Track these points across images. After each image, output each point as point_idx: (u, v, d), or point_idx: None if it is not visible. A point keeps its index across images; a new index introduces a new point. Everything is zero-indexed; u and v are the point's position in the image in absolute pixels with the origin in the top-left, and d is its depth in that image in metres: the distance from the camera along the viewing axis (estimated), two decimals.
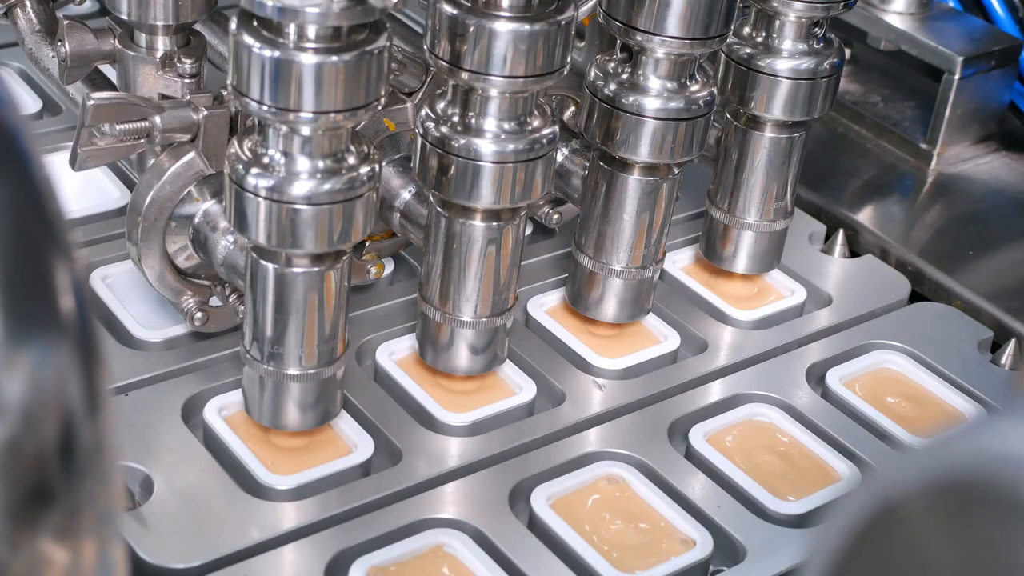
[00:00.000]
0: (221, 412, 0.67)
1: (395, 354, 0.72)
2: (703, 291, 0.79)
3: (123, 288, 0.74)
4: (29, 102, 0.89)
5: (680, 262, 0.82)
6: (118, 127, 0.62)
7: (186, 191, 0.64)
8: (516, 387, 0.71)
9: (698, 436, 0.69)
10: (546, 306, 0.77)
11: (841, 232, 0.85)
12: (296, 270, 0.59)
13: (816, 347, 0.77)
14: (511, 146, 0.62)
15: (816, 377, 0.75)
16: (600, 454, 0.68)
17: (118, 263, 0.75)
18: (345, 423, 0.67)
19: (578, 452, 0.68)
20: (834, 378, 0.74)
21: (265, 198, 0.57)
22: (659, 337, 0.75)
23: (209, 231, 0.65)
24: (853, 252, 0.86)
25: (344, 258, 0.60)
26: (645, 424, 0.70)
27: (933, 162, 0.94)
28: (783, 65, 0.73)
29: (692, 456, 0.69)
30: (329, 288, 0.60)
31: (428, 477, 0.65)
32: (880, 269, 0.84)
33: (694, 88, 0.68)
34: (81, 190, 0.81)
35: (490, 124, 0.62)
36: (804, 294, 0.80)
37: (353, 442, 0.66)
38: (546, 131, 0.63)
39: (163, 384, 0.69)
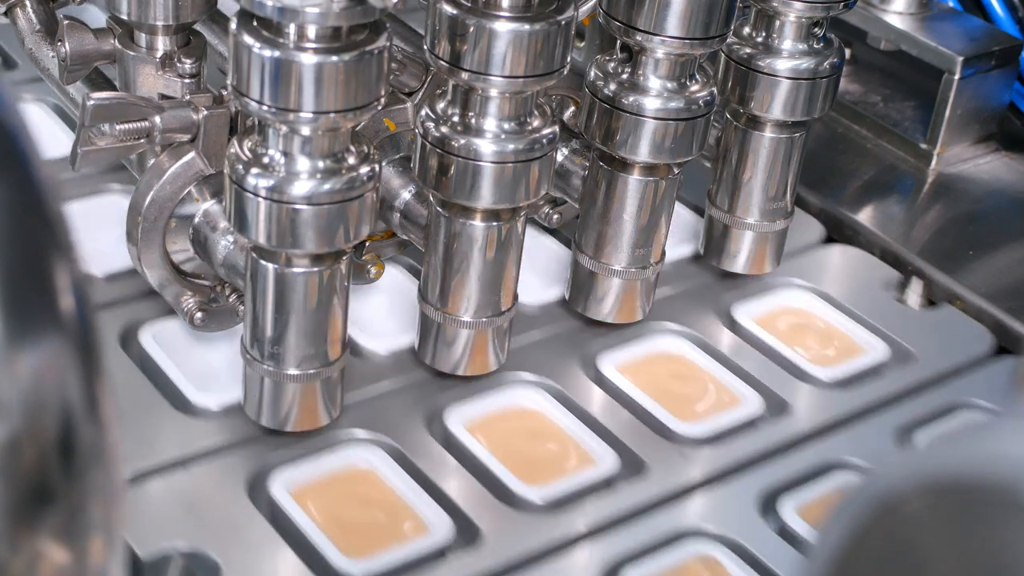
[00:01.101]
0: (288, 487, 0.63)
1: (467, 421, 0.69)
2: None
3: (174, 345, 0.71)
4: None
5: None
6: (118, 127, 0.62)
7: (186, 191, 0.64)
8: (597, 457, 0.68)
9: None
10: (619, 365, 0.74)
11: (920, 282, 0.82)
12: (296, 270, 0.59)
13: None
14: (511, 146, 0.62)
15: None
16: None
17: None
18: (419, 498, 0.64)
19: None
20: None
21: (265, 198, 0.57)
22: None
23: (209, 231, 0.65)
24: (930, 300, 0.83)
25: (344, 258, 0.60)
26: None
27: (933, 162, 0.94)
28: (783, 65, 0.73)
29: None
30: (329, 288, 0.60)
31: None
32: (961, 320, 0.80)
33: (694, 88, 0.68)
34: None
35: (490, 124, 0.62)
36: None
37: (430, 522, 0.63)
38: (546, 131, 0.63)
39: (226, 456, 0.65)
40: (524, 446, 0.67)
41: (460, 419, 0.68)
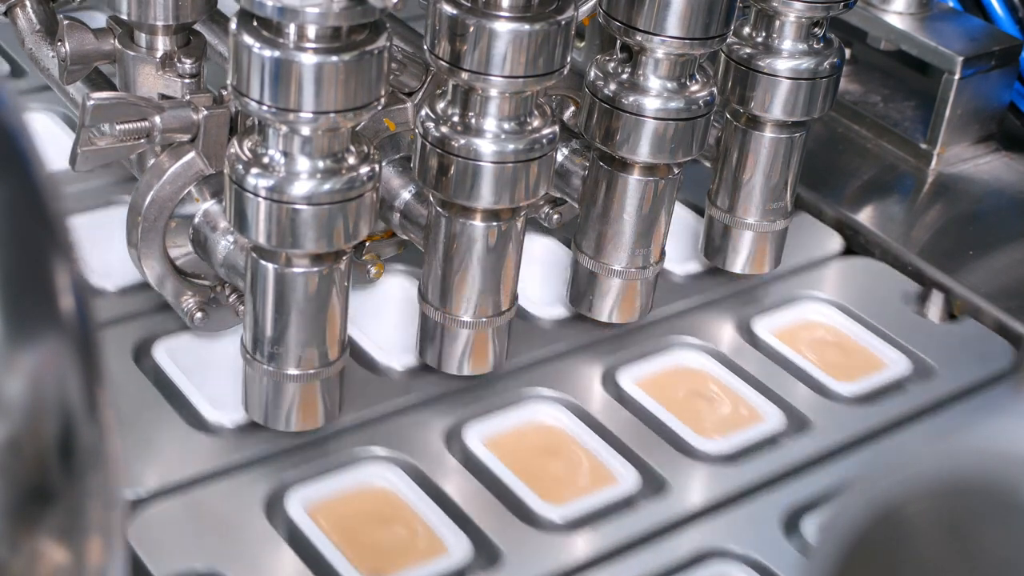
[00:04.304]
0: (306, 506, 0.63)
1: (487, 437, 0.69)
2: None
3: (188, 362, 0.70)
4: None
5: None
6: (118, 127, 0.62)
7: (186, 191, 0.64)
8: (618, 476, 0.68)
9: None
10: (638, 379, 0.74)
11: (942, 296, 0.82)
12: (296, 270, 0.59)
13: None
14: (511, 146, 0.62)
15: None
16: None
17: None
18: (436, 516, 0.63)
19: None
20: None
21: (265, 198, 0.57)
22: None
23: (209, 231, 0.65)
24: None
25: (344, 258, 0.60)
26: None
27: (933, 162, 0.94)
28: (783, 65, 0.73)
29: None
30: (329, 288, 0.60)
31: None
32: (983, 334, 0.79)
33: (694, 88, 0.68)
34: None
35: (490, 124, 0.62)
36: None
37: (447, 540, 0.62)
38: (546, 131, 0.63)
39: (243, 475, 0.64)
40: (544, 463, 0.66)
41: (478, 436, 0.67)
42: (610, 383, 0.72)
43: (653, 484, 0.66)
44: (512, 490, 0.65)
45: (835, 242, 0.85)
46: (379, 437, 0.66)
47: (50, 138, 0.84)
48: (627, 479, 0.66)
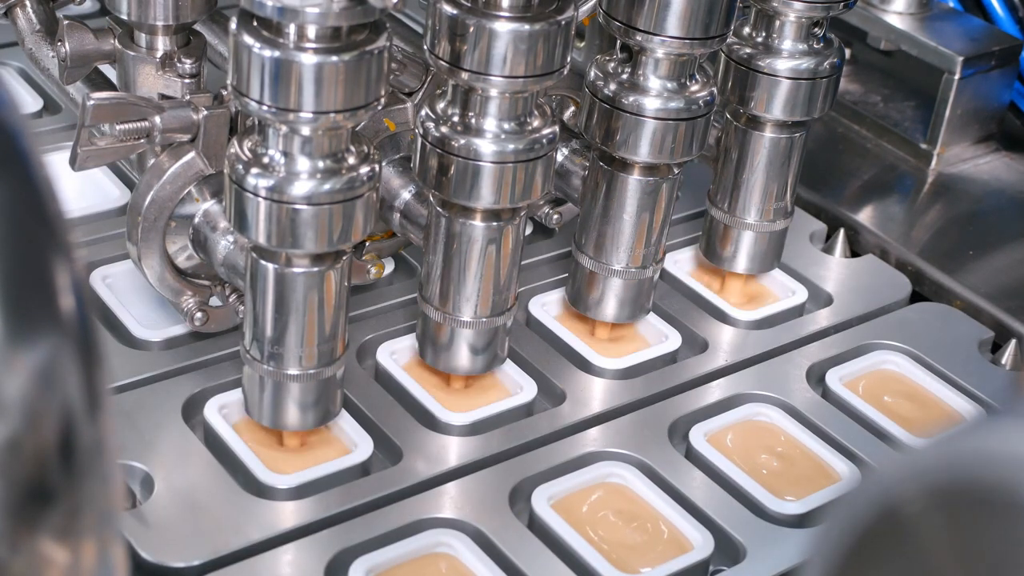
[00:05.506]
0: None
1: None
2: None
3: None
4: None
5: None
6: (118, 127, 0.62)
7: (186, 191, 0.64)
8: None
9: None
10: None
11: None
12: (296, 270, 0.59)
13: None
14: (511, 146, 0.62)
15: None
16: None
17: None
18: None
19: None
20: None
21: (265, 198, 0.57)
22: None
23: (209, 231, 0.65)
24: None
25: (344, 258, 0.60)
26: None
27: (933, 162, 0.94)
28: (783, 65, 0.73)
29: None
30: (329, 288, 0.60)
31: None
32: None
33: (694, 88, 0.68)
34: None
35: (490, 124, 0.62)
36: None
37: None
38: (546, 131, 0.63)
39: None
40: (613, 527, 0.64)
41: (544, 497, 0.65)
42: (679, 440, 0.70)
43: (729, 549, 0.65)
44: (581, 555, 0.62)
45: (904, 289, 0.83)
46: (443, 503, 0.64)
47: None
48: (702, 544, 0.64)
